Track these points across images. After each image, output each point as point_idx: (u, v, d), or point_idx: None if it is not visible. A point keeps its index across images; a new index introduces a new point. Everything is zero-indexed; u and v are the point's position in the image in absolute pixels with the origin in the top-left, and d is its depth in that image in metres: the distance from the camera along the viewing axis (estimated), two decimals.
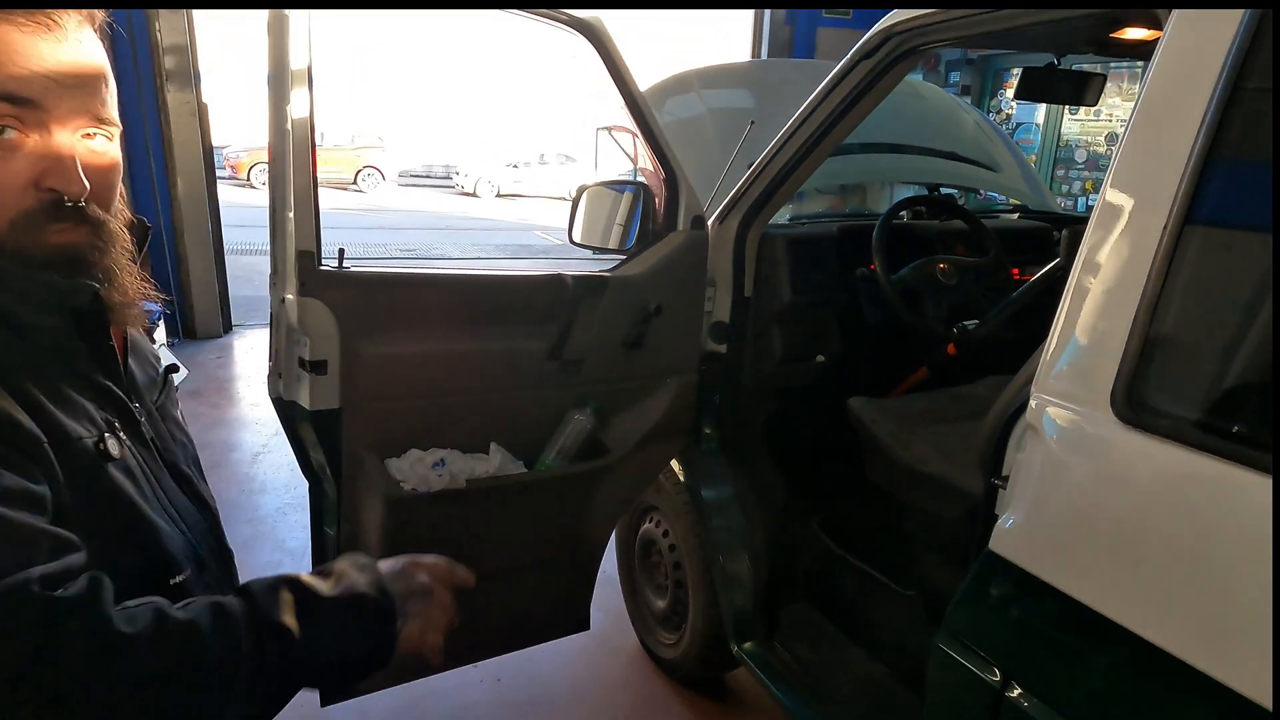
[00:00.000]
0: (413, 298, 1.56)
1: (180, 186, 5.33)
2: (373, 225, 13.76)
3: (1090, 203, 5.95)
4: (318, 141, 1.39)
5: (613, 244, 1.96)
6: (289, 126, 1.36)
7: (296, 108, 1.35)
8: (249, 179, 17.53)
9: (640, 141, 1.91)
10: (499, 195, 19.54)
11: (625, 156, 11.91)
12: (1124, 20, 1.54)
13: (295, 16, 1.31)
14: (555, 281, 1.70)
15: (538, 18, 1.60)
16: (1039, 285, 1.86)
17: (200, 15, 5.24)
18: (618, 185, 2.04)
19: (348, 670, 0.80)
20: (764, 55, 6.62)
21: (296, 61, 1.34)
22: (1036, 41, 1.71)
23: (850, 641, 1.94)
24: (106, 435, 0.78)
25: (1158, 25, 1.01)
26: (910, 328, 1.90)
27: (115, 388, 0.83)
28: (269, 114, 1.38)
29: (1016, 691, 1.09)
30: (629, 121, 1.85)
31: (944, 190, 2.46)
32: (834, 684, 1.88)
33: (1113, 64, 5.80)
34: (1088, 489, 1.06)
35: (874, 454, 1.85)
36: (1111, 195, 1.03)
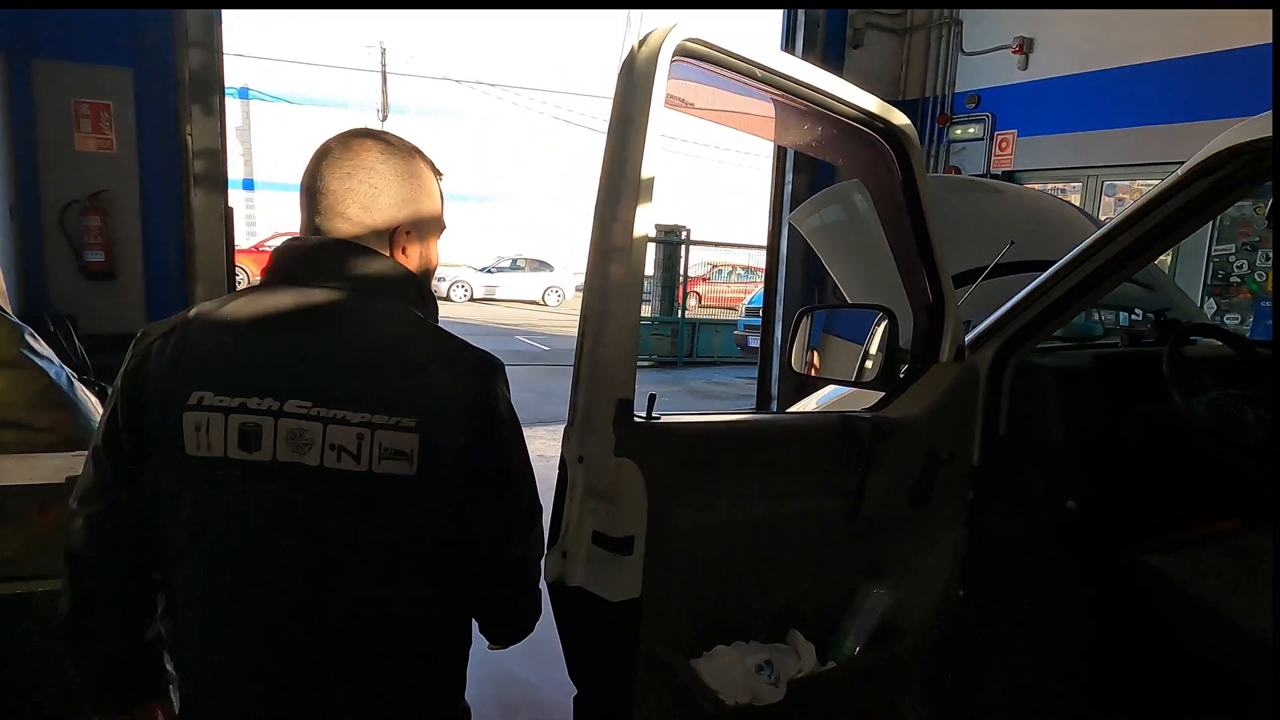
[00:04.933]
0: (720, 450, 1.27)
1: (199, 292, 4.95)
2: None
3: None
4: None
5: (857, 376, 1.72)
6: (623, 244, 1.10)
7: (639, 226, 1.09)
8: None
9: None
10: (472, 299, 19.38)
11: None
12: None
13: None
14: (848, 425, 1.43)
15: (848, 120, 1.39)
16: None
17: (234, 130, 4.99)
18: (856, 310, 1.81)
19: None
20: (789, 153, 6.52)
21: (640, 182, 1.09)
22: None
23: None
24: None
25: None
26: (1227, 472, 1.67)
27: None
28: (593, 231, 1.12)
29: None
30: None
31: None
32: None
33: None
34: None
35: (1192, 619, 1.58)
36: None
